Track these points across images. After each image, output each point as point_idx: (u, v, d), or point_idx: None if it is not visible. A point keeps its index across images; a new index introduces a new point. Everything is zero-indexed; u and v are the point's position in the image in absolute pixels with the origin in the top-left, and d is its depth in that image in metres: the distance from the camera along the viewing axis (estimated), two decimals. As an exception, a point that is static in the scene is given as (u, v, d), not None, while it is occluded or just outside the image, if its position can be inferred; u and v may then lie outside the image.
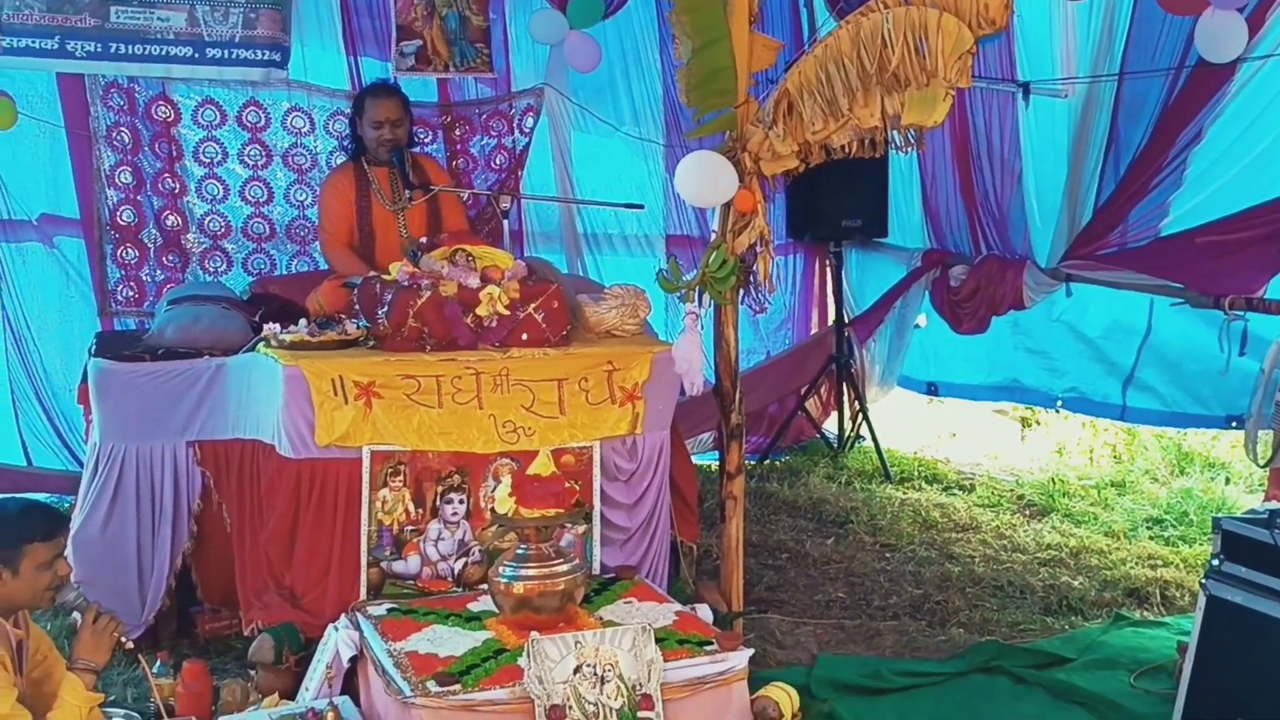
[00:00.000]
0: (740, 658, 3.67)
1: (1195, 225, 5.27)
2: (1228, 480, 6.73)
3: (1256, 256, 5.03)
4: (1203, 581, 3.93)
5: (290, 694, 3.78)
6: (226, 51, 5.58)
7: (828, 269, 7.33)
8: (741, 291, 4.38)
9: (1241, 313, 5.08)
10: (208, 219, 5.83)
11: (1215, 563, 3.89)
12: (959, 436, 7.66)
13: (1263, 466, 4.38)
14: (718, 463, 4.66)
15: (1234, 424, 5.83)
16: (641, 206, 5.72)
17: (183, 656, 3.98)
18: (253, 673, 3.89)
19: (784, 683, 3.81)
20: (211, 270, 5.82)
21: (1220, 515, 4.17)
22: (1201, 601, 3.91)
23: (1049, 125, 5.91)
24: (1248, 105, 5.12)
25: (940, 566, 5.55)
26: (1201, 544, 5.69)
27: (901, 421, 7.62)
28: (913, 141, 4.05)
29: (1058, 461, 7.30)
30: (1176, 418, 6.29)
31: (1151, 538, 5.98)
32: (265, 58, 5.66)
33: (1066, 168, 5.78)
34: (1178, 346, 5.98)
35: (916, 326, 7.15)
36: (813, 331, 7.43)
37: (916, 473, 6.96)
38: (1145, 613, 5.06)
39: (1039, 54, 5.83)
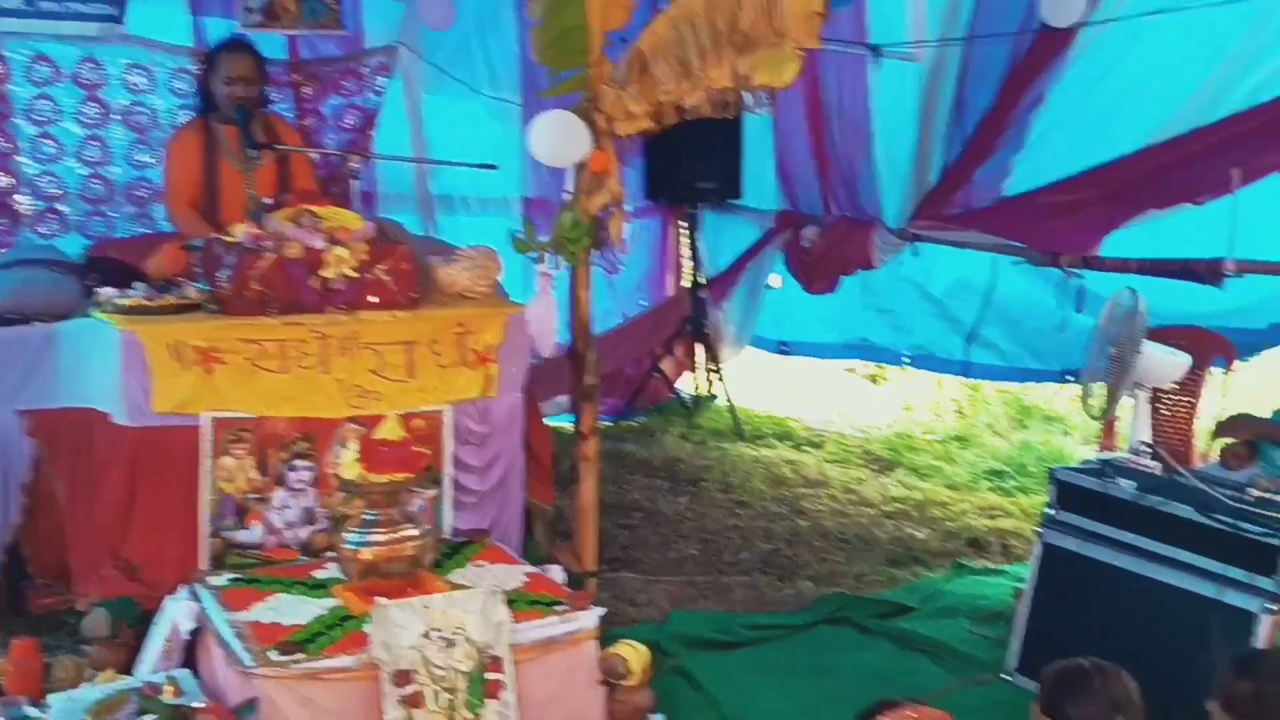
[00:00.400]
0: (590, 617, 3.68)
1: (1036, 187, 5.40)
2: (1066, 433, 6.97)
3: (1092, 216, 5.15)
4: (1037, 530, 4.08)
5: (126, 669, 3.67)
6: (60, 4, 5.35)
7: (682, 231, 7.36)
8: (595, 252, 4.37)
9: (1078, 271, 5.21)
10: (41, 180, 5.58)
11: (1050, 512, 4.04)
12: (810, 394, 7.79)
13: (1097, 419, 4.51)
14: (573, 425, 4.66)
15: (1069, 378, 6.03)
16: (495, 167, 5.63)
17: (12, 634, 3.84)
18: (87, 648, 3.77)
19: (634, 640, 3.84)
20: (46, 234, 5.58)
21: (1055, 466, 4.31)
22: (1037, 549, 4.06)
23: (898, 88, 6.00)
24: (1086, 69, 5.25)
25: (790, 522, 5.65)
26: (1039, 494, 5.88)
27: (754, 381, 7.72)
28: (764, 103, 4.08)
29: (905, 417, 7.47)
30: (1016, 373, 6.49)
31: (992, 490, 6.18)
32: (102, 11, 5.44)
33: (915, 130, 5.89)
34: (1018, 304, 6.15)
35: (768, 287, 7.23)
36: (668, 293, 7.46)
37: (768, 431, 7.06)
38: (985, 561, 5.21)
39: (889, 17, 5.90)
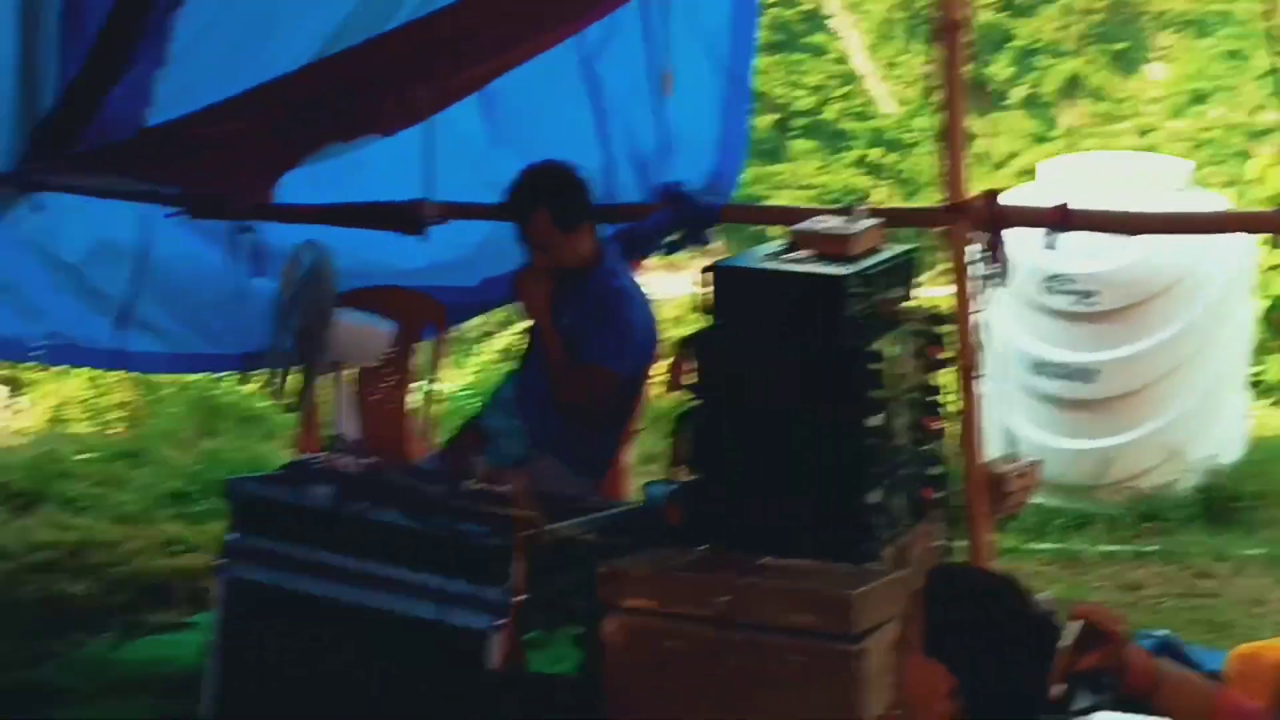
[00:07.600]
0: None
1: (185, 113, 4.22)
2: (270, 435, 6.05)
3: (261, 151, 4.24)
4: (218, 563, 3.41)
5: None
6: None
7: None
8: None
9: (250, 223, 4.37)
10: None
11: (233, 537, 3.39)
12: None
13: (291, 411, 3.97)
14: None
15: (253, 363, 4.99)
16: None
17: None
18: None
19: None
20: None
21: (234, 477, 3.72)
22: (219, 588, 3.39)
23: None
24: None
25: None
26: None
27: None
28: None
29: (53, 433, 6.41)
30: (185, 361, 5.26)
31: (174, 518, 5.24)
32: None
33: (16, 36, 4.36)
34: (181, 270, 4.93)
35: None
36: None
37: None
38: (168, 615, 4.40)
39: None
